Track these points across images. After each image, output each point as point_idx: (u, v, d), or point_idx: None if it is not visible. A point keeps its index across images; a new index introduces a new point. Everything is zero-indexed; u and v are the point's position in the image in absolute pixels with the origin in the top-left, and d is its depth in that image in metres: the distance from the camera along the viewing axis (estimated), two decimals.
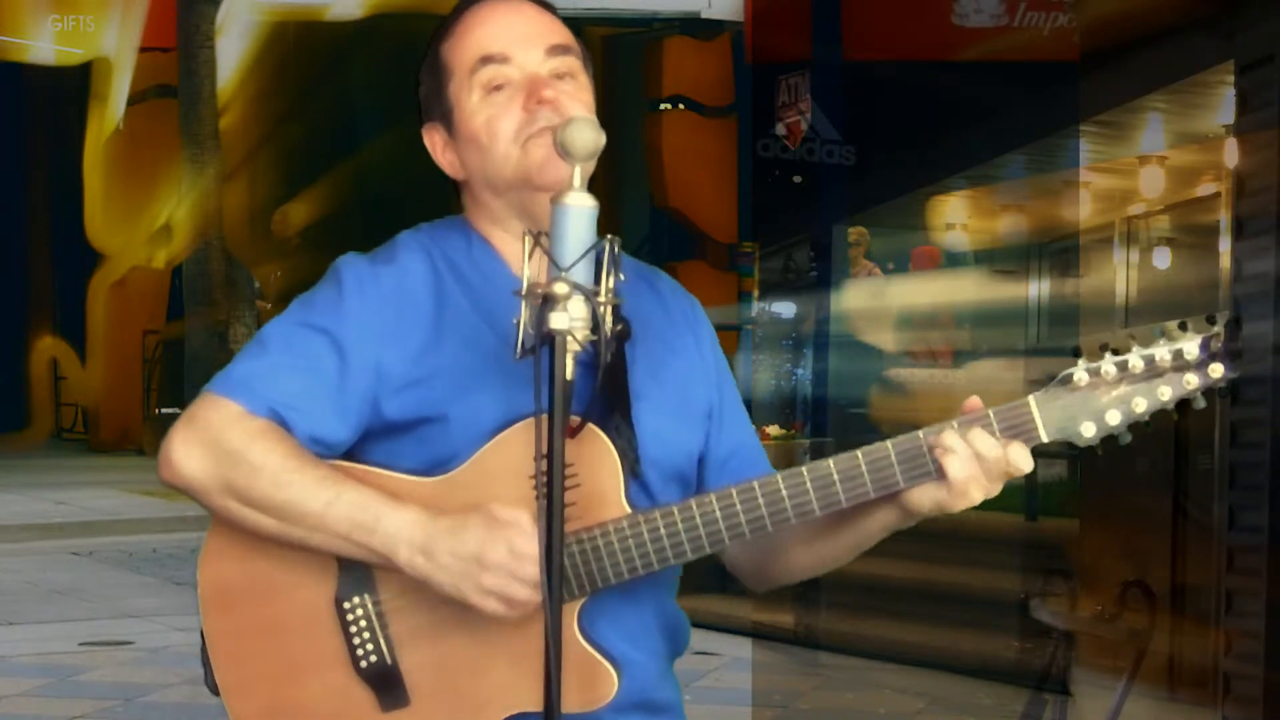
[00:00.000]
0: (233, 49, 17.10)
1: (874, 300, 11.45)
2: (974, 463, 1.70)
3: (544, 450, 1.60)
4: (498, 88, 1.87)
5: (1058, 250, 11.32)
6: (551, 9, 1.95)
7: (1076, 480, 7.11)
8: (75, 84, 18.27)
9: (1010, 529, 7.62)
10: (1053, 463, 7.59)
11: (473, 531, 1.70)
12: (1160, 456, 5.66)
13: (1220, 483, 5.01)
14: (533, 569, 1.68)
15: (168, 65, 16.64)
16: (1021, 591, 6.62)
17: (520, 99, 1.86)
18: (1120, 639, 4.79)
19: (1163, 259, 10.04)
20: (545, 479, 1.59)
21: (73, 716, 5.84)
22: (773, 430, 10.02)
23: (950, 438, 1.70)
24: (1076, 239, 10.62)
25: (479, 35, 1.89)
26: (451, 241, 1.93)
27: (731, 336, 14.34)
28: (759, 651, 7.17)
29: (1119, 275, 10.11)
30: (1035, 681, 5.64)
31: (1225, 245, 7.35)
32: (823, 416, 10.72)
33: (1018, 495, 7.92)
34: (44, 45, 17.40)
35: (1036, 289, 11.55)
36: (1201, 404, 1.68)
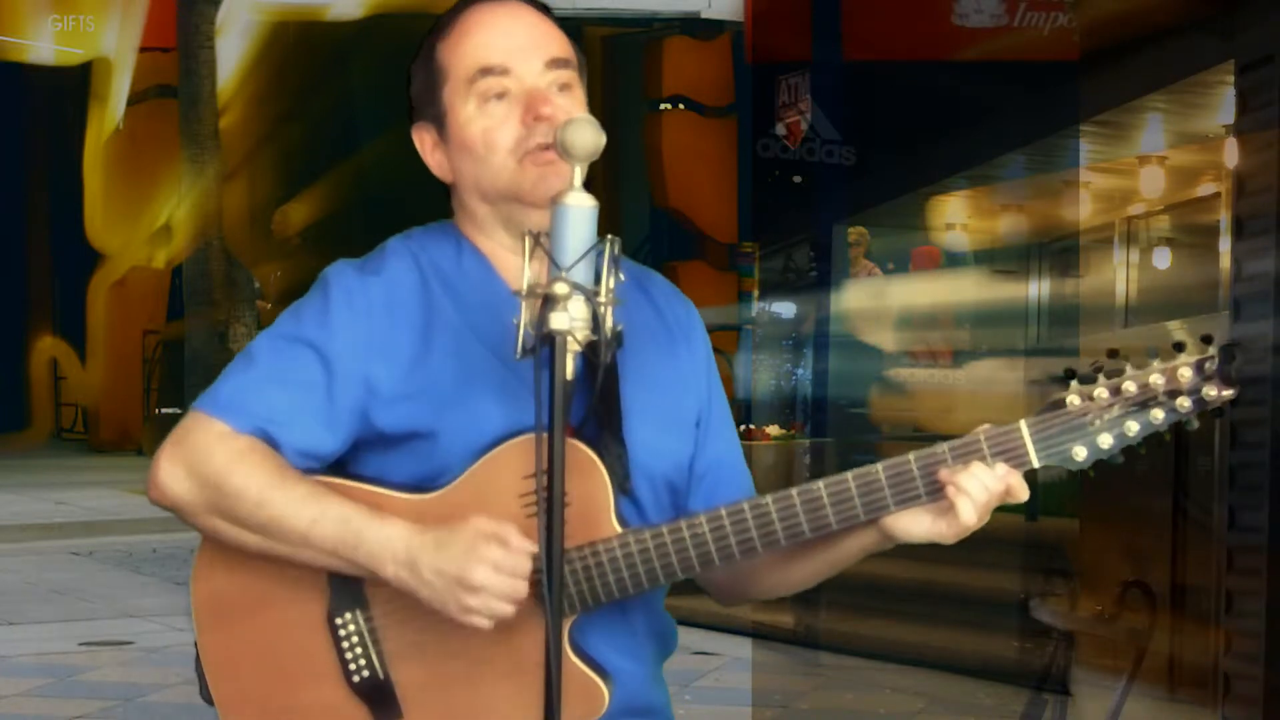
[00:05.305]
0: (233, 49, 17.08)
1: (874, 300, 11.45)
2: (984, 507, 1.70)
3: (544, 463, 1.59)
4: (497, 97, 1.85)
5: (1058, 250, 11.32)
6: (549, 13, 1.92)
7: (1076, 480, 7.10)
8: (75, 84, 18.25)
9: (1010, 529, 7.60)
10: None
11: (456, 549, 1.70)
12: (1160, 456, 5.65)
13: (1220, 483, 5.01)
14: (515, 585, 1.69)
15: (168, 65, 16.62)
16: (1021, 591, 6.62)
17: (519, 112, 1.84)
18: (1120, 639, 4.79)
19: (1163, 259, 10.05)
20: (545, 489, 1.59)
21: (73, 716, 5.84)
22: (773, 430, 10.02)
23: (966, 480, 1.70)
24: (1076, 239, 10.63)
25: (478, 43, 1.86)
26: (441, 249, 1.91)
27: (731, 336, 14.35)
28: (759, 651, 7.16)
29: (1119, 275, 10.12)
30: (1035, 681, 5.64)
31: (1225, 245, 7.35)
32: (823, 416, 10.71)
33: None
34: (44, 45, 17.39)
35: (1036, 289, 11.55)
36: (1195, 425, 1.68)
